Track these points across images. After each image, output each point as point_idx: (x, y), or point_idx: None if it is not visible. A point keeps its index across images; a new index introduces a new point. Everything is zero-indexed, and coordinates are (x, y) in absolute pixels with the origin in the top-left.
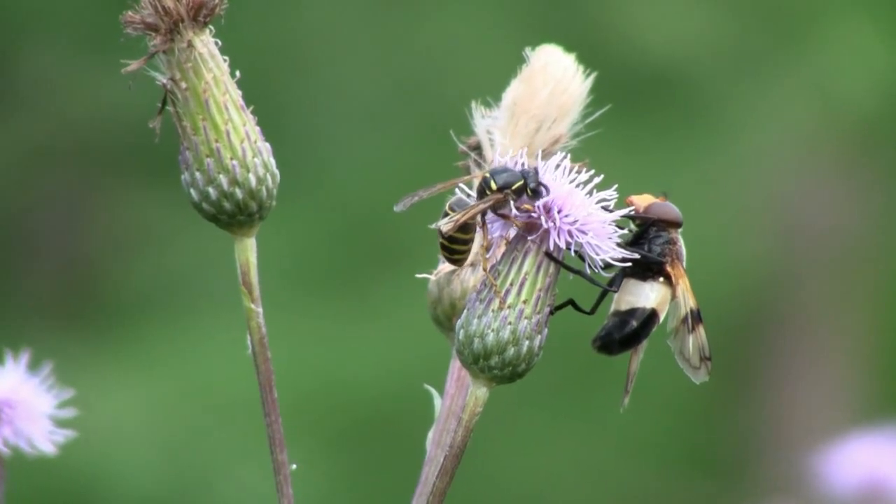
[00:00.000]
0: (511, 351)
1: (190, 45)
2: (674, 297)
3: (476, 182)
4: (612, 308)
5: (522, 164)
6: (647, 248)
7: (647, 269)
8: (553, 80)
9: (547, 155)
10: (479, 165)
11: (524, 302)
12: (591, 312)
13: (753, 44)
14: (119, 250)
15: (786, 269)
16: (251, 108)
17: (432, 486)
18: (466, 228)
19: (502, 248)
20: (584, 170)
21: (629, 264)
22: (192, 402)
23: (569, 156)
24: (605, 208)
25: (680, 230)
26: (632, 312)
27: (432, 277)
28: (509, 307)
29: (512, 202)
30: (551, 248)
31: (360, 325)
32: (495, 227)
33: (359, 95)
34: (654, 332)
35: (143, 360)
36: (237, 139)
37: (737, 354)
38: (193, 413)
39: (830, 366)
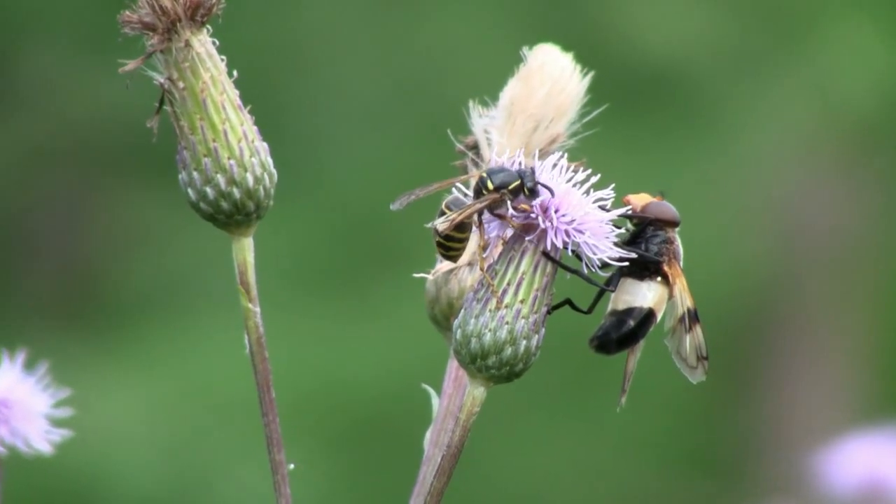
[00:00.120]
0: (508, 350)
1: (187, 44)
2: (671, 296)
3: (473, 182)
4: (610, 307)
5: (519, 164)
6: (645, 248)
7: (645, 268)
8: (550, 80)
9: (544, 154)
10: (476, 165)
11: (521, 301)
12: (589, 312)
13: (753, 44)
14: (119, 250)
15: (786, 269)
16: (248, 108)
17: (430, 485)
18: (463, 227)
19: (499, 248)
20: (581, 169)
21: (626, 264)
22: (192, 402)
23: (566, 155)
24: (603, 208)
25: (677, 229)
26: (629, 312)
27: (430, 277)
28: (506, 307)
29: (509, 202)
30: (548, 247)
31: (359, 325)
32: (492, 227)
33: (359, 95)
34: (651, 331)
35: (142, 360)
36: (234, 139)
37: (737, 354)
38: (193, 413)
39: (830, 366)
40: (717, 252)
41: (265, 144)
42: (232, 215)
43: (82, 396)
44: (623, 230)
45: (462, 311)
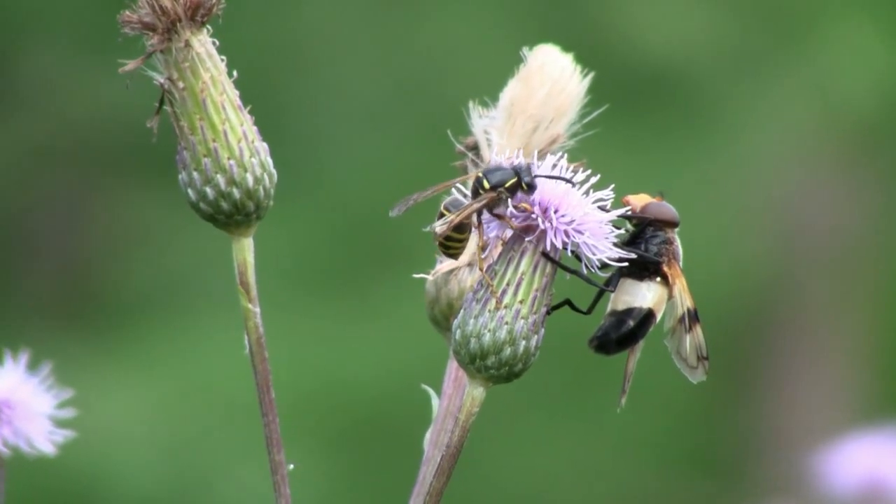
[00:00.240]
0: (507, 351)
1: (187, 44)
2: (670, 296)
3: (470, 182)
4: (609, 308)
5: (515, 161)
6: (644, 248)
7: (644, 268)
8: (550, 80)
9: (544, 155)
10: (476, 165)
11: (521, 302)
12: (588, 312)
13: (753, 44)
14: (119, 250)
15: (786, 269)
16: (248, 108)
17: (429, 485)
18: (462, 228)
19: (499, 249)
20: (581, 170)
21: (626, 264)
22: (192, 402)
23: (566, 156)
24: (602, 208)
25: (677, 230)
26: (629, 312)
27: (430, 278)
28: (506, 307)
29: (507, 200)
30: (548, 248)
31: (359, 326)
32: (492, 228)
33: (359, 95)
34: (651, 331)
35: (142, 360)
36: (234, 139)
37: (737, 354)
38: (193, 413)
39: (830, 366)
40: (718, 252)
41: (265, 144)
42: (232, 215)
43: (82, 396)
44: (622, 231)
45: (461, 311)
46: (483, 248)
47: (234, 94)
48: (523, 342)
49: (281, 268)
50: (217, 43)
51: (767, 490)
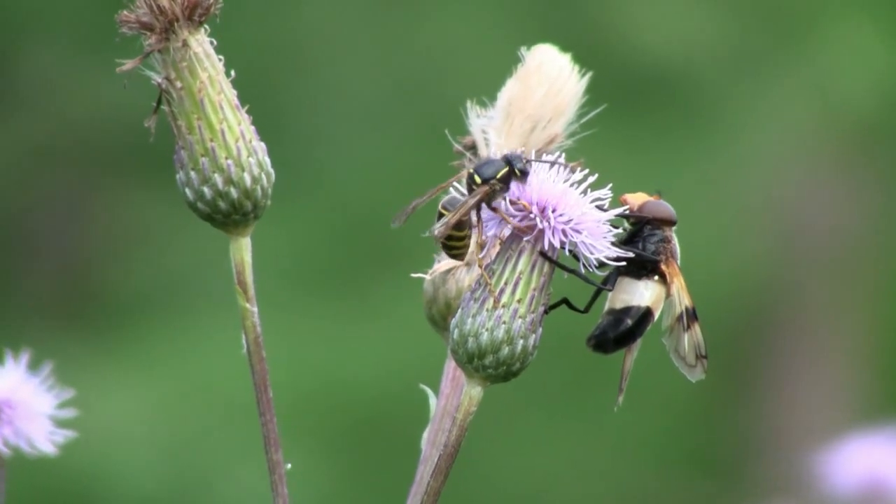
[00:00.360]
0: (505, 350)
1: (185, 44)
2: (668, 295)
3: (464, 180)
4: (607, 306)
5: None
6: (642, 247)
7: (642, 267)
8: (548, 80)
9: (542, 155)
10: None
11: (518, 301)
12: (586, 311)
13: (753, 44)
14: (119, 250)
15: (786, 269)
16: (246, 108)
17: (427, 485)
18: (461, 226)
19: (497, 248)
20: (579, 169)
21: (623, 263)
22: (192, 402)
23: (564, 155)
24: (600, 207)
25: (674, 228)
26: (626, 311)
27: (427, 277)
28: (503, 306)
29: (502, 191)
30: (546, 247)
31: (359, 326)
32: (490, 226)
33: (359, 95)
34: (649, 331)
35: (142, 360)
36: (232, 138)
37: (737, 354)
38: (193, 413)
39: (830, 366)
40: (718, 252)
41: (263, 144)
42: (229, 215)
43: (82, 396)
44: (620, 229)
45: (459, 310)
46: (481, 247)
47: (231, 93)
48: (521, 341)
49: (280, 268)
50: (215, 43)
51: (767, 490)
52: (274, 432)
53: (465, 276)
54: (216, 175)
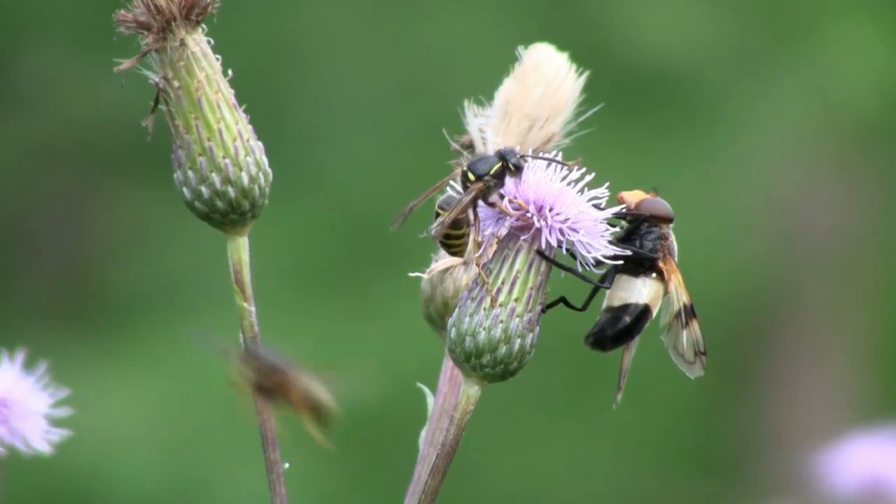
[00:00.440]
0: (503, 349)
1: (182, 43)
2: (666, 292)
3: (459, 179)
4: (605, 304)
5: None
6: (639, 244)
7: (640, 264)
8: (545, 79)
9: (539, 153)
10: None
11: (516, 300)
12: (583, 309)
13: (753, 44)
14: (119, 250)
15: (786, 269)
16: (244, 107)
17: (425, 484)
18: (458, 224)
19: (494, 247)
20: (576, 168)
21: (621, 261)
22: (192, 402)
23: (561, 154)
24: (597, 206)
25: (671, 225)
26: (624, 308)
27: (425, 276)
28: (501, 305)
29: (497, 187)
30: (543, 246)
31: (359, 325)
32: (487, 225)
33: (359, 95)
34: (649, 329)
35: (142, 360)
36: (229, 138)
37: (737, 355)
38: (193, 413)
39: (830, 366)
40: (718, 252)
41: (260, 143)
42: (227, 214)
43: (82, 396)
44: (617, 228)
45: (456, 309)
46: (478, 246)
47: (229, 92)
48: (518, 340)
49: (280, 268)
50: (212, 42)
51: (767, 490)
52: (272, 431)
53: (463, 275)
54: (214, 174)
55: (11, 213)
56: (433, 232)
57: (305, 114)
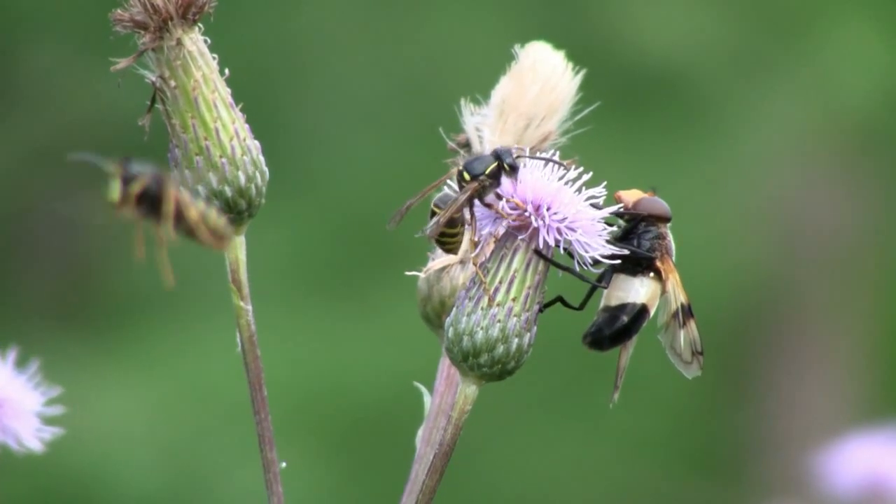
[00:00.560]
0: (500, 349)
1: (179, 43)
2: (664, 291)
3: (455, 178)
4: (603, 304)
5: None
6: (637, 244)
7: (637, 264)
8: (542, 78)
9: (536, 152)
10: None
11: (513, 299)
12: (580, 308)
13: (754, 44)
14: (118, 250)
15: (786, 269)
16: (240, 106)
17: (422, 483)
18: (453, 223)
19: (491, 246)
20: (573, 167)
21: (618, 261)
22: (191, 402)
23: (558, 153)
24: (594, 205)
25: (669, 225)
26: (622, 308)
27: (422, 275)
28: (498, 305)
29: (491, 187)
30: (540, 245)
31: (358, 325)
32: (484, 224)
33: (357, 95)
34: (648, 330)
35: (142, 360)
36: (226, 137)
37: (737, 354)
38: (192, 413)
39: (830, 366)
40: (718, 252)
41: (257, 143)
42: (224, 214)
43: (82, 396)
44: (615, 227)
45: (454, 309)
46: (475, 245)
47: (225, 92)
48: (516, 340)
49: (277, 267)
50: (209, 41)
51: (767, 490)
52: (269, 431)
53: (460, 273)
54: (210, 174)
55: (11, 213)
56: (428, 231)
57: (303, 113)
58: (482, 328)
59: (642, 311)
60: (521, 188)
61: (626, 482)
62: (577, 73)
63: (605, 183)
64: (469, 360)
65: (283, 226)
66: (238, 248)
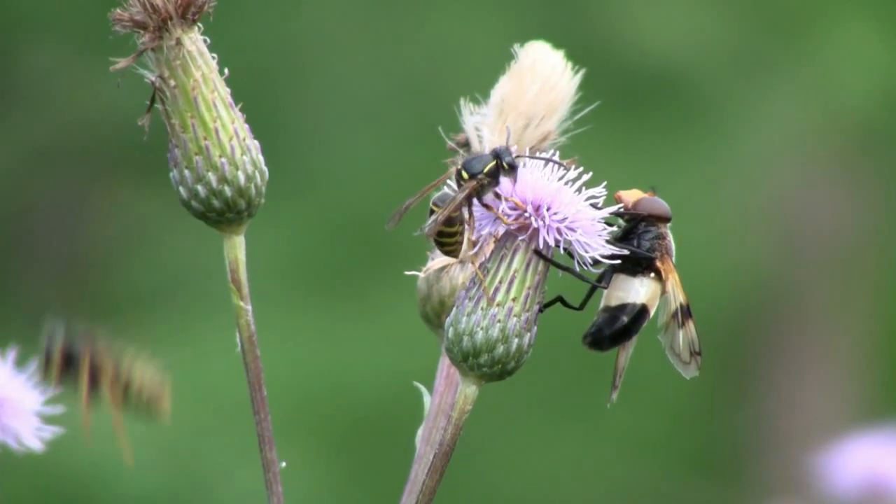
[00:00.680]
0: (500, 349)
1: (178, 42)
2: (664, 292)
3: (454, 177)
4: (602, 304)
5: (495, 147)
6: (637, 244)
7: (637, 264)
8: (541, 78)
9: (535, 152)
10: None
11: (513, 300)
12: (580, 308)
13: (754, 44)
14: (118, 250)
15: (786, 269)
16: (240, 106)
17: (422, 483)
18: (451, 222)
19: (491, 246)
20: (573, 166)
21: (618, 261)
22: (191, 402)
23: (558, 153)
24: (594, 205)
25: (669, 225)
26: (622, 308)
27: (421, 275)
28: (498, 305)
29: (490, 185)
30: (540, 245)
31: (358, 325)
32: (484, 224)
33: (356, 95)
34: (648, 330)
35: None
36: (226, 137)
37: (737, 354)
38: (192, 413)
39: (830, 366)
40: (718, 252)
41: (256, 142)
42: (223, 213)
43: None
44: (615, 227)
45: (454, 309)
46: (474, 244)
47: (225, 91)
48: (516, 340)
49: (277, 267)
50: (208, 41)
51: (767, 490)
52: (268, 430)
53: (460, 273)
54: (210, 173)
55: (11, 213)
56: (426, 229)
57: (303, 113)
58: (482, 328)
59: (642, 311)
60: (520, 188)
61: (626, 482)
62: (577, 72)
63: (604, 183)
64: (469, 361)
65: (283, 226)
66: (237, 248)
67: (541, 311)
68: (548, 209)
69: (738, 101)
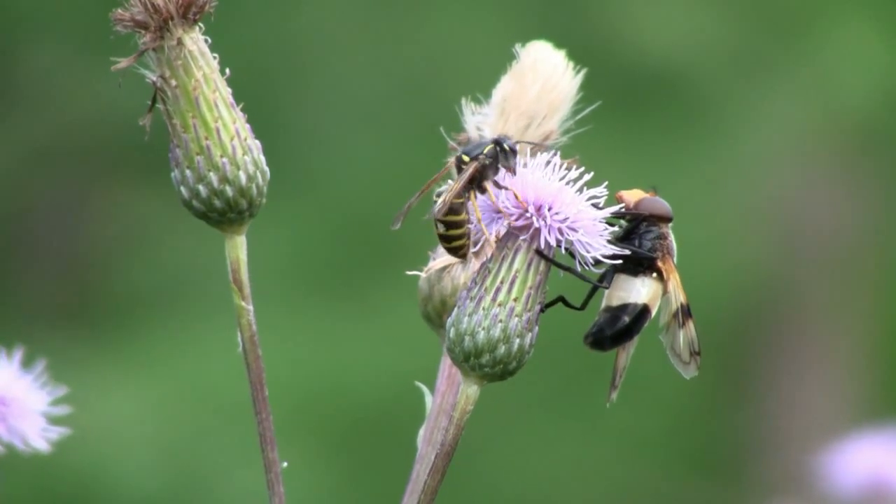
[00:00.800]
0: (502, 349)
1: (180, 42)
2: (665, 292)
3: (454, 170)
4: (604, 304)
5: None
6: (638, 244)
7: (638, 264)
8: (543, 77)
9: (536, 151)
10: None
11: (515, 300)
12: (582, 308)
13: (754, 44)
14: (118, 250)
15: (786, 269)
16: (241, 106)
17: (423, 483)
18: (457, 210)
19: (493, 246)
20: (574, 166)
21: (620, 261)
22: (191, 402)
23: (559, 153)
24: (596, 205)
25: (670, 225)
26: (623, 308)
27: (423, 274)
28: (500, 305)
29: (491, 168)
30: (542, 245)
31: (358, 325)
32: (487, 221)
33: (357, 95)
34: (648, 329)
35: (142, 360)
36: (227, 137)
37: (737, 354)
38: (192, 412)
39: (831, 366)
40: (718, 252)
41: (258, 142)
42: (225, 213)
43: (82, 396)
44: (616, 227)
45: (455, 308)
46: (475, 243)
47: (226, 91)
48: (517, 340)
49: (279, 267)
50: (209, 41)
51: (767, 490)
52: (270, 430)
53: (461, 273)
54: (211, 173)
55: (11, 213)
56: (435, 210)
57: (303, 113)
58: (484, 328)
59: (644, 311)
60: (522, 188)
61: (626, 482)
62: (578, 72)
63: (606, 183)
64: (470, 361)
65: (284, 226)
66: (239, 248)
67: (542, 311)
68: (549, 209)
69: (738, 101)
